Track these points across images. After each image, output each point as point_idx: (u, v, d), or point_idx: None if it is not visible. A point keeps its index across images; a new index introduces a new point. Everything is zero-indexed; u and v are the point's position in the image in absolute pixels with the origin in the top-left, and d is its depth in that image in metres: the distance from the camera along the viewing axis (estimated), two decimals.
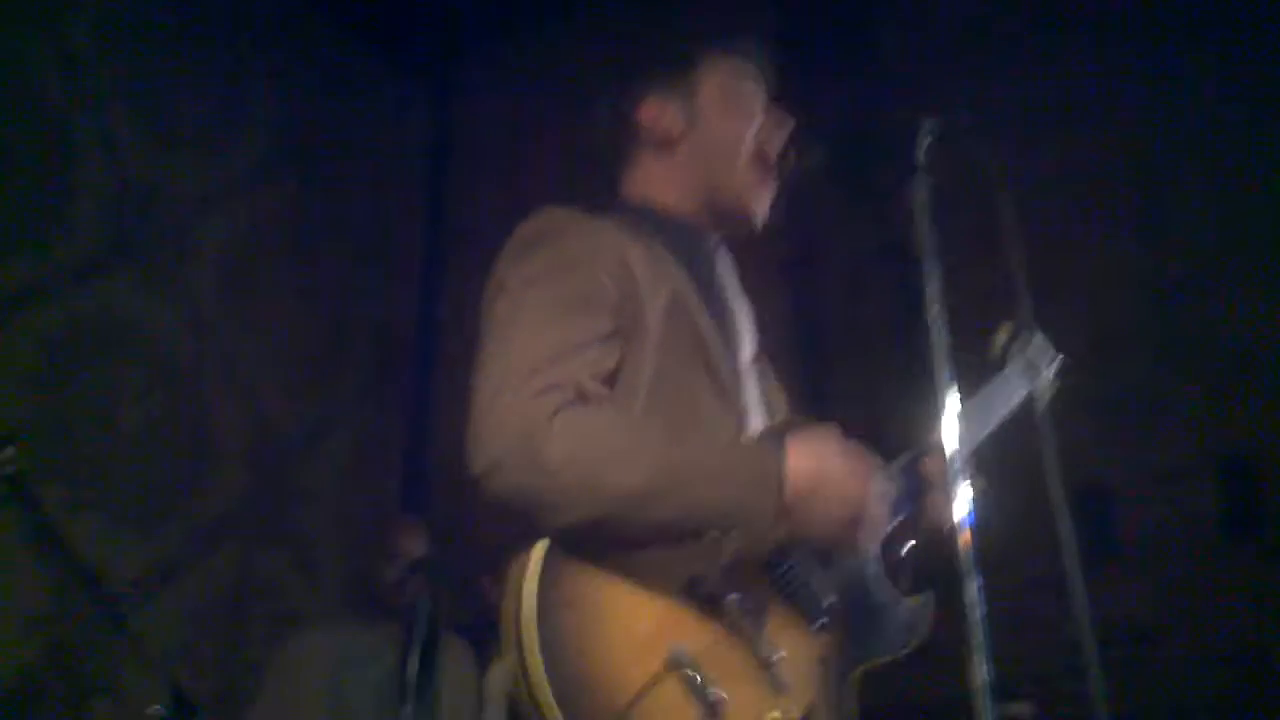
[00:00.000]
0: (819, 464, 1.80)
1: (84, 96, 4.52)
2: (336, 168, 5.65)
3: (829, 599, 1.89)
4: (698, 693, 1.66)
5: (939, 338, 1.81)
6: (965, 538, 1.66)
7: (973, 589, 1.61)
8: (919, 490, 2.06)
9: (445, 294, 5.69)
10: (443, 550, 3.71)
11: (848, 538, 1.82)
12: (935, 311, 1.82)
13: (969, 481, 1.74)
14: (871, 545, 1.85)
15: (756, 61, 2.26)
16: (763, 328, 2.33)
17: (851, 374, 4.33)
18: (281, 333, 5.15)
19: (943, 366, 1.80)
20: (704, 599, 1.72)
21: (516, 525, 1.72)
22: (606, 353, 1.85)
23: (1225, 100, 4.06)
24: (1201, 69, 4.13)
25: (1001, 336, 2.39)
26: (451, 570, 3.49)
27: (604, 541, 1.69)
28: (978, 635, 1.57)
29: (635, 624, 1.68)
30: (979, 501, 1.72)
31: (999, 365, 2.37)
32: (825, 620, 1.88)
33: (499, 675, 1.72)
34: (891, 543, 2.08)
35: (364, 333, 5.58)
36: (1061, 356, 2.48)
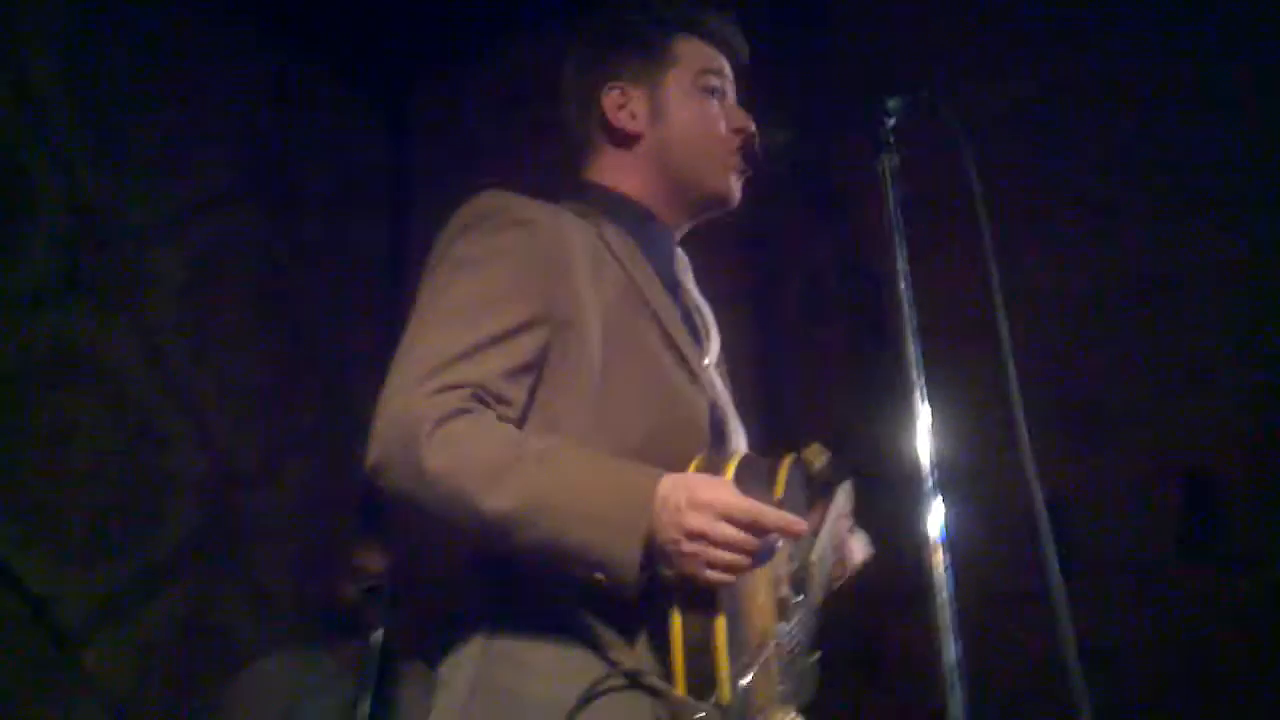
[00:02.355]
0: (687, 481, 1.68)
1: (38, 122, 4.44)
2: (295, 195, 5.58)
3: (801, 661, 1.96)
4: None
5: (908, 325, 1.78)
6: (937, 554, 1.62)
7: (944, 606, 1.58)
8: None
9: (404, 322, 5.61)
10: (399, 577, 3.65)
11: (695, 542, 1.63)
12: (903, 300, 1.81)
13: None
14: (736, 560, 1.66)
15: (726, 43, 2.23)
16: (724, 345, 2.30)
17: (811, 395, 4.30)
18: (238, 362, 5.06)
19: (913, 357, 1.78)
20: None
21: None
22: (525, 343, 1.80)
23: (1189, 106, 4.07)
24: (1169, 73, 4.13)
25: (816, 460, 2.22)
26: (407, 597, 3.43)
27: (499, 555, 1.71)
28: (951, 654, 1.54)
29: None
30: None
31: (826, 485, 2.29)
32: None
33: None
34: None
35: (321, 362, 5.49)
36: (850, 480, 2.39)
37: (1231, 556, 3.63)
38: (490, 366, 1.75)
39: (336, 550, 3.93)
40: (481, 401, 1.72)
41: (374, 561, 3.73)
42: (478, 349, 1.75)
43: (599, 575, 1.62)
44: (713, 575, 1.62)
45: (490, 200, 1.93)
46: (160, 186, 4.91)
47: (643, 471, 1.70)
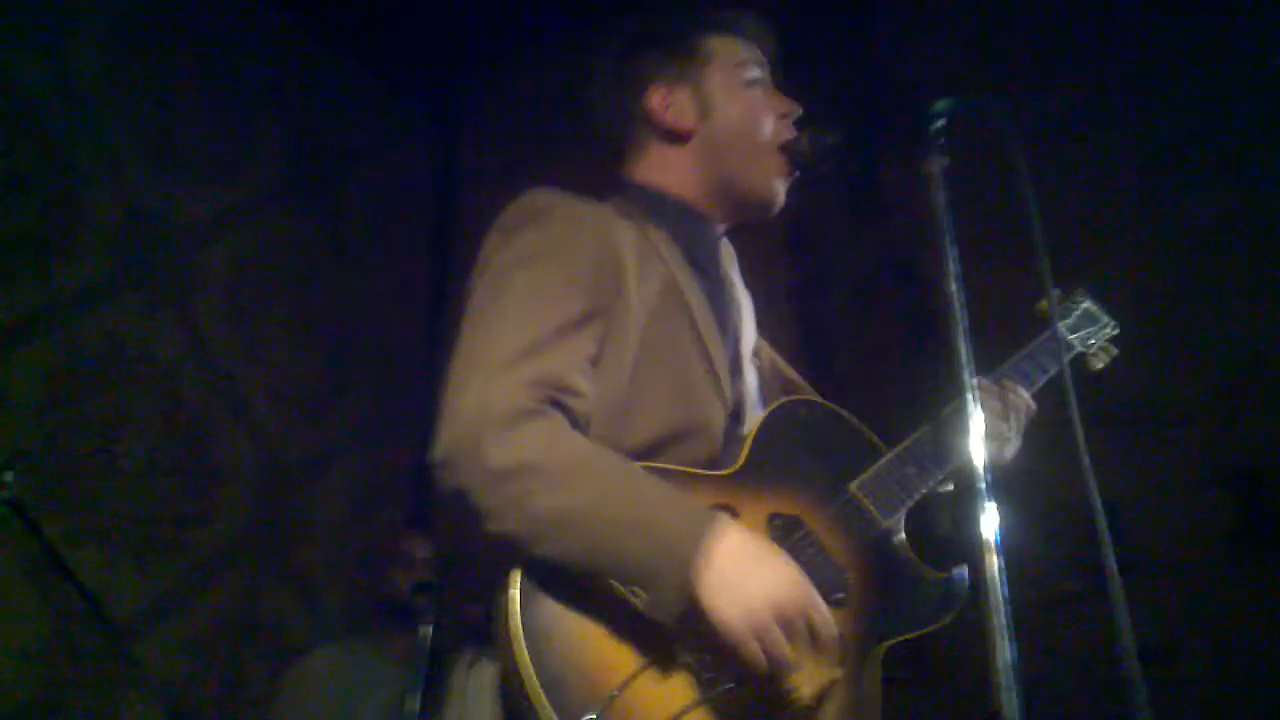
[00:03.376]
0: (744, 551, 1.68)
1: (87, 123, 4.49)
2: (341, 193, 5.64)
3: (847, 571, 1.86)
4: (697, 673, 1.65)
5: (959, 326, 1.77)
6: (991, 556, 1.62)
7: (999, 607, 1.57)
8: (947, 454, 2.04)
9: (450, 318, 5.64)
10: (447, 573, 3.68)
11: (754, 638, 1.65)
12: (954, 297, 1.78)
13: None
14: (780, 657, 1.67)
15: (758, 39, 2.23)
16: (771, 338, 2.31)
17: (860, 398, 4.29)
18: (285, 360, 5.12)
19: (964, 359, 1.76)
20: None
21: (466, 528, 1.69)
22: (587, 337, 1.80)
23: (1232, 101, 4.03)
24: (1207, 74, 4.09)
25: (1046, 302, 2.31)
26: (456, 592, 3.44)
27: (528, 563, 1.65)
28: (1006, 656, 1.53)
29: (625, 607, 1.65)
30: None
31: (1046, 326, 2.34)
32: (842, 594, 1.85)
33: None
34: (919, 517, 2.04)
35: (368, 359, 5.54)
36: (1114, 323, 2.46)
37: None
38: (561, 360, 1.75)
39: (385, 542, 3.97)
40: (555, 403, 1.72)
41: (422, 550, 3.77)
42: (545, 341, 1.75)
43: (638, 590, 1.63)
44: (756, 654, 1.65)
45: (539, 197, 1.95)
46: (208, 186, 4.96)
47: (701, 509, 1.72)
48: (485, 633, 1.76)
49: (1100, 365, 2.47)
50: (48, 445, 4.10)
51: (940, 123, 1.89)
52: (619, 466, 1.72)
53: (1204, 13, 4.15)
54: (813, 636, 1.69)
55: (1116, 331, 2.50)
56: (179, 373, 4.66)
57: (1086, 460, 1.67)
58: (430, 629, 3.25)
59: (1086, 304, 2.50)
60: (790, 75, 2.30)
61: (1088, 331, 2.47)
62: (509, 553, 1.67)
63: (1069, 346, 2.40)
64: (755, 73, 2.19)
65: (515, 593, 1.62)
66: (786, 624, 1.66)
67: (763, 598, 1.64)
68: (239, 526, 4.74)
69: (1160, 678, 3.51)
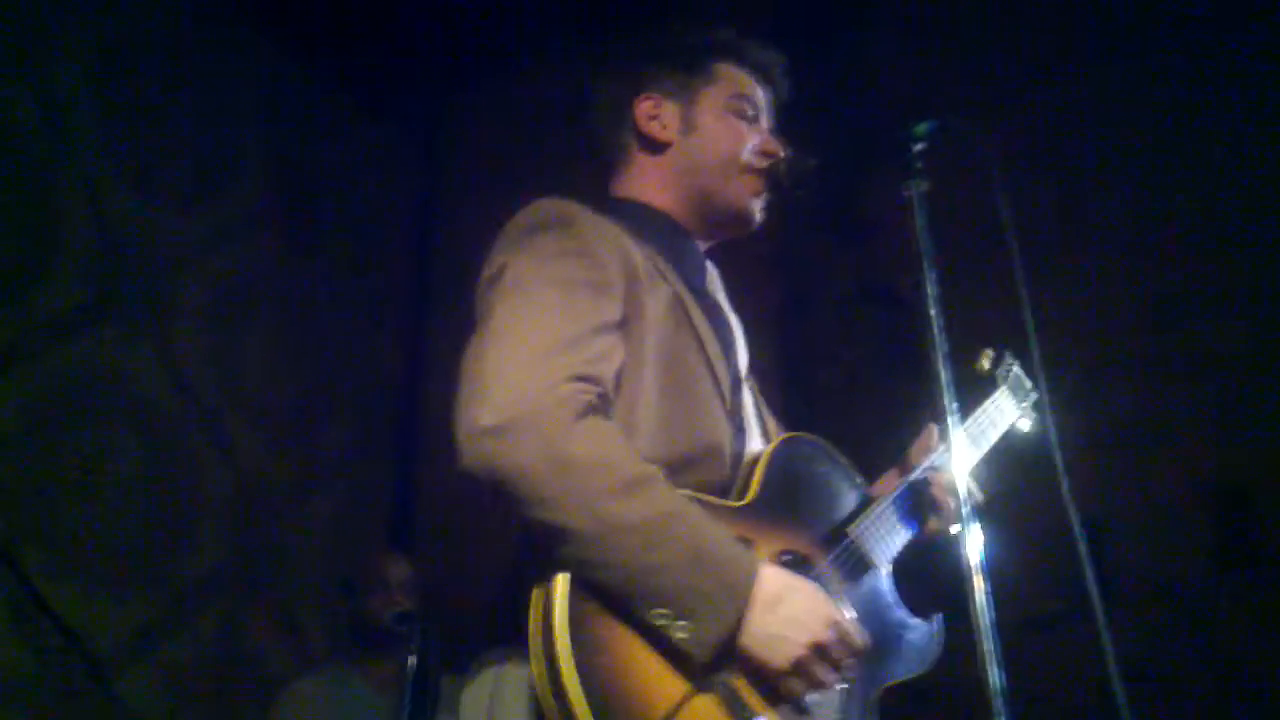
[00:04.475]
0: (785, 590, 1.69)
1: (67, 147, 4.45)
2: (323, 218, 5.61)
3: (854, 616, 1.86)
4: (735, 709, 1.63)
5: (939, 350, 1.78)
6: (978, 579, 1.62)
7: (985, 628, 1.58)
8: (925, 506, 2.08)
9: (432, 345, 5.65)
10: (429, 599, 3.68)
11: (795, 674, 1.67)
12: (934, 322, 1.80)
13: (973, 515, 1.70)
14: (823, 686, 1.71)
15: (765, 77, 2.26)
16: (754, 360, 2.31)
17: (840, 416, 4.30)
18: (265, 387, 5.08)
19: (943, 383, 1.77)
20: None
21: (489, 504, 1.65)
22: (617, 343, 1.78)
23: (1220, 117, 4.06)
24: (1198, 87, 4.12)
25: (985, 361, 2.38)
26: (440, 618, 3.43)
27: (559, 565, 1.61)
28: (995, 677, 1.54)
29: (664, 636, 1.63)
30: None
31: (989, 387, 2.38)
32: None
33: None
34: (900, 567, 2.05)
35: (349, 385, 5.51)
36: (1035, 394, 2.46)
37: (1271, 573, 3.61)
38: (605, 364, 1.73)
39: (365, 568, 3.95)
40: (605, 401, 1.70)
41: (398, 571, 3.77)
42: (588, 334, 1.72)
43: (682, 623, 1.60)
44: (800, 688, 1.67)
45: (560, 205, 1.94)
46: (187, 212, 4.92)
47: (747, 550, 1.72)
48: (490, 639, 1.76)
49: (1028, 427, 2.47)
50: (25, 478, 4.05)
51: (920, 146, 1.91)
52: (674, 488, 1.70)
53: (1196, 26, 4.19)
54: (849, 651, 1.72)
55: (1036, 397, 2.48)
56: (158, 402, 4.61)
57: (1066, 486, 1.68)
58: (415, 658, 3.24)
59: (1015, 367, 2.49)
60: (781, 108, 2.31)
61: (1021, 394, 2.48)
62: (528, 555, 1.65)
63: (1011, 413, 2.44)
64: (747, 107, 2.21)
65: (563, 608, 1.58)
66: (823, 651, 1.68)
67: (801, 633, 1.66)
68: (220, 556, 4.69)
69: (1149, 696, 3.54)
